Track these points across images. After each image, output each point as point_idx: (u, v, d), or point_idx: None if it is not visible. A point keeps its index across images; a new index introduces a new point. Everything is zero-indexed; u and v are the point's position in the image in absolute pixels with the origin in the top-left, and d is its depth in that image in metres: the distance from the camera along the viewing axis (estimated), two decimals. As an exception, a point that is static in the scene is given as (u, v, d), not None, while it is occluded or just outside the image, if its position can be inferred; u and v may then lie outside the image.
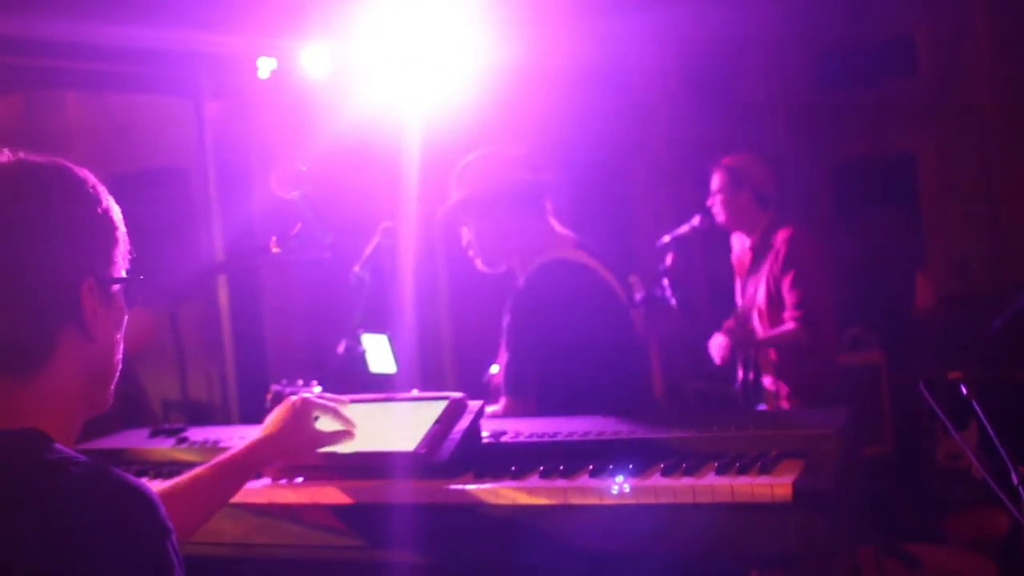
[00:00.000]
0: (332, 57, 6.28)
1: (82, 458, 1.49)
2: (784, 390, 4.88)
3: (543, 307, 3.18)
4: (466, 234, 3.43)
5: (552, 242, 3.34)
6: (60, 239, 1.54)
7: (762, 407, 4.90)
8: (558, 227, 3.39)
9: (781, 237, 4.88)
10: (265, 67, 6.33)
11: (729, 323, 4.99)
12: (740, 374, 5.04)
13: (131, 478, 1.49)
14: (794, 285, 4.78)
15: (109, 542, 1.41)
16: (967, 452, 3.04)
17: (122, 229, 1.64)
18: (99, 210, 1.60)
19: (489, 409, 3.16)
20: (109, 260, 1.61)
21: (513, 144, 3.45)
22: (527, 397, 3.15)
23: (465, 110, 5.39)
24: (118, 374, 1.68)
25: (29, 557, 1.39)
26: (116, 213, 1.64)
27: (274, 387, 3.50)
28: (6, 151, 1.57)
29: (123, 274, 1.64)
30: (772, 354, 4.90)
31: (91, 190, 1.60)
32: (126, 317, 1.68)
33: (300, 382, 3.52)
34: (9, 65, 6.10)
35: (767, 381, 4.94)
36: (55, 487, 1.44)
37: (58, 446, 1.50)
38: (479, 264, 3.45)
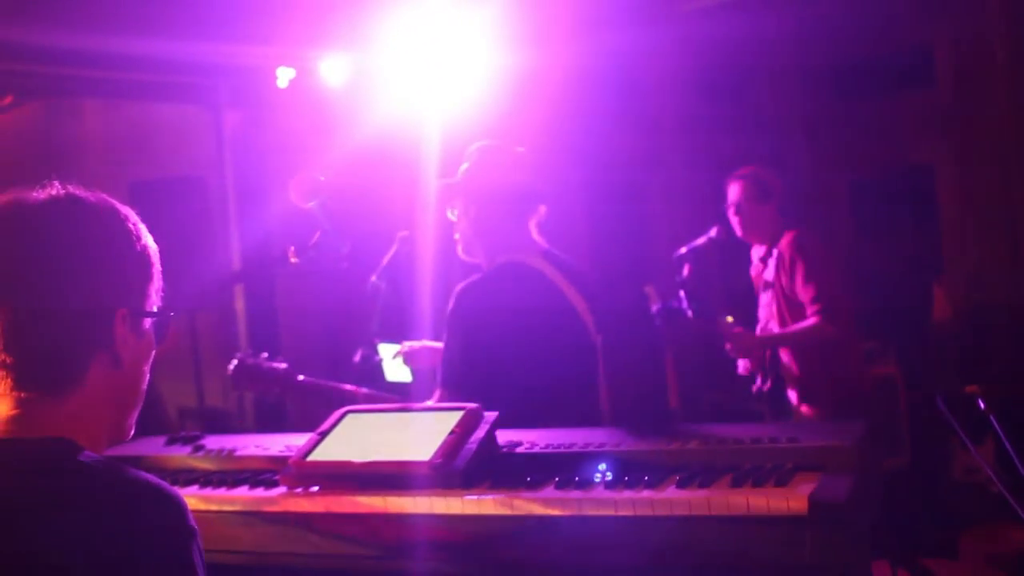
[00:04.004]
0: (350, 67, 6.30)
1: (109, 462, 1.55)
2: (806, 407, 4.81)
3: (479, 306, 3.21)
4: (452, 216, 3.45)
5: (519, 246, 3.36)
6: (98, 270, 1.62)
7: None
8: (534, 234, 3.41)
9: (784, 242, 4.84)
10: (284, 76, 6.36)
11: (737, 329, 4.90)
12: (758, 382, 4.98)
13: (156, 480, 1.54)
14: (807, 280, 4.71)
15: (136, 543, 1.47)
16: (984, 467, 3.03)
17: (158, 266, 1.71)
18: (138, 246, 1.67)
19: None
20: (143, 294, 1.68)
21: (517, 146, 3.46)
22: (451, 391, 3.16)
23: (481, 121, 5.40)
24: (142, 404, 1.74)
25: (57, 557, 1.44)
26: (154, 251, 1.71)
27: (238, 355, 3.49)
28: (57, 184, 1.65)
29: (155, 309, 1.71)
30: (795, 368, 4.81)
31: (132, 227, 1.68)
32: (154, 351, 1.74)
33: (265, 354, 3.51)
34: (29, 73, 6.15)
35: (791, 395, 4.87)
36: (83, 489, 1.50)
37: (87, 452, 1.56)
38: (458, 250, 3.47)
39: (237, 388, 3.47)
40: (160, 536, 1.49)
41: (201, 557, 1.53)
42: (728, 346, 4.90)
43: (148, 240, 1.70)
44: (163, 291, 1.73)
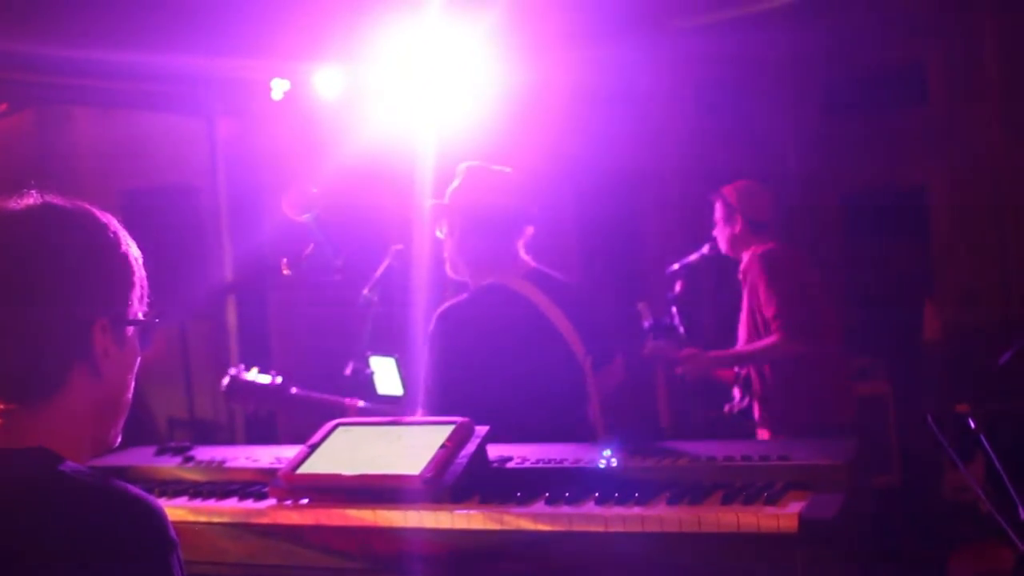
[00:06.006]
0: (345, 79, 6.31)
1: (88, 472, 1.53)
2: (767, 422, 4.68)
3: (458, 329, 3.21)
4: (440, 234, 3.45)
5: (505, 268, 3.36)
6: (76, 280, 1.59)
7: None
8: (521, 254, 3.41)
9: (749, 257, 4.73)
10: (278, 88, 6.36)
11: (686, 351, 4.77)
12: (735, 400, 4.92)
13: (137, 491, 1.52)
14: (768, 296, 4.57)
15: (114, 554, 1.45)
16: (974, 486, 3.03)
17: (141, 273, 1.69)
18: (118, 254, 1.65)
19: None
20: (125, 302, 1.65)
21: (508, 168, 3.46)
22: (431, 412, 3.16)
23: (476, 133, 5.41)
24: (127, 413, 1.72)
25: (36, 567, 1.42)
26: (136, 258, 1.68)
27: (231, 371, 3.47)
28: (35, 193, 1.62)
29: (139, 317, 1.68)
30: (759, 388, 4.70)
31: (111, 235, 1.65)
32: (139, 359, 1.71)
33: (256, 368, 3.50)
34: (23, 81, 6.15)
35: (755, 410, 4.76)
36: (62, 500, 1.48)
37: (67, 462, 1.53)
38: (447, 267, 3.48)
39: (231, 403, 3.45)
40: (139, 547, 1.47)
41: (181, 570, 1.52)
42: (679, 370, 4.78)
43: (130, 247, 1.67)
44: (148, 298, 1.70)
